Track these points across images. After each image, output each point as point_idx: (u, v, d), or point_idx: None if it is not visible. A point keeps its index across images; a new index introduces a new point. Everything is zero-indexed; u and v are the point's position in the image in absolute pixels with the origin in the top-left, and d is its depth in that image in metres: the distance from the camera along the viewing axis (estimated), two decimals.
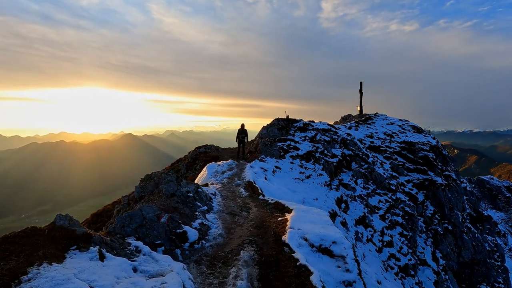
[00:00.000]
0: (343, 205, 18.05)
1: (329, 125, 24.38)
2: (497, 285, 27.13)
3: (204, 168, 13.40)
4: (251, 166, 14.97)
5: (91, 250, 4.04)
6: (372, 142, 28.06)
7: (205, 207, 7.85)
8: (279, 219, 7.34)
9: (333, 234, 6.47)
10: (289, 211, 7.83)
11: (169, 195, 7.47)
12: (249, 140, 17.63)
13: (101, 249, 4.17)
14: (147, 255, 4.61)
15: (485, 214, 33.08)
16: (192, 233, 5.97)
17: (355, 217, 18.08)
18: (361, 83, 37.29)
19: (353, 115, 36.81)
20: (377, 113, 35.68)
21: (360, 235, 16.91)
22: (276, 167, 16.61)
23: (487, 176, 55.88)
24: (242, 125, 17.78)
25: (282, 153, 18.38)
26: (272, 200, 9.24)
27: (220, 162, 14.83)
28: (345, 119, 35.45)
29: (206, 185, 11.09)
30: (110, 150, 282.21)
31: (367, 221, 18.54)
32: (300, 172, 17.77)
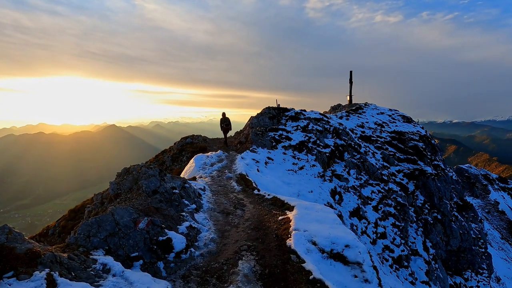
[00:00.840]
0: (337, 197, 17.35)
1: (321, 114, 23.52)
2: (481, 271, 27.66)
3: (191, 160, 12.19)
4: (242, 158, 13.88)
5: (36, 276, 2.87)
6: (363, 132, 27.51)
7: (194, 206, 6.73)
8: (280, 218, 6.32)
9: (345, 235, 5.52)
10: (290, 208, 6.83)
11: (150, 193, 6.29)
12: (231, 128, 17.59)
13: (52, 272, 3.01)
14: (118, 276, 3.48)
15: (470, 202, 33.61)
16: (178, 240, 4.86)
17: (349, 209, 17.45)
18: (351, 72, 36.57)
19: (343, 104, 36.17)
20: (367, 102, 35.17)
21: (355, 228, 16.29)
22: (269, 158, 15.60)
23: (465, 165, 57.28)
24: (224, 114, 17.31)
25: (274, 144, 17.36)
26: (268, 195, 8.21)
27: (209, 154, 13.65)
28: (335, 108, 34.76)
29: (194, 179, 9.92)
30: (92, 141, 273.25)
31: (361, 213, 17.96)
32: (293, 163, 16.85)
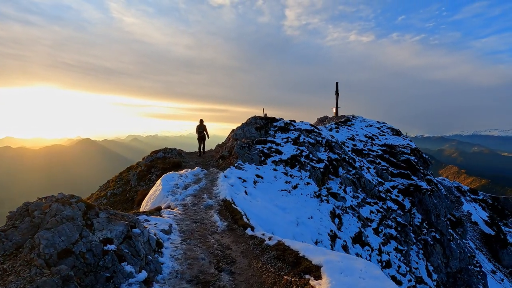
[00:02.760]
0: (336, 220, 14.66)
1: (311, 125, 21.13)
2: None
3: (158, 182, 9.06)
4: (225, 176, 10.91)
5: None
6: (355, 145, 25.40)
7: (143, 274, 3.69)
8: None
9: None
10: (313, 270, 3.96)
11: (55, 257, 3.20)
12: (208, 136, 16.27)
13: None
14: None
15: (461, 217, 32.20)
16: None
17: (351, 235, 14.77)
18: (337, 83, 35.02)
19: (330, 116, 34.33)
20: (353, 115, 33.53)
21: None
22: (258, 176, 12.70)
23: (439, 178, 57.30)
24: (201, 121, 15.72)
25: (263, 158, 14.54)
26: (270, 238, 5.30)
27: (183, 171, 10.57)
28: (322, 120, 32.76)
29: (158, 210, 6.83)
30: (64, 156, 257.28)
31: (363, 238, 15.34)
32: (286, 181, 14.06)
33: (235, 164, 12.59)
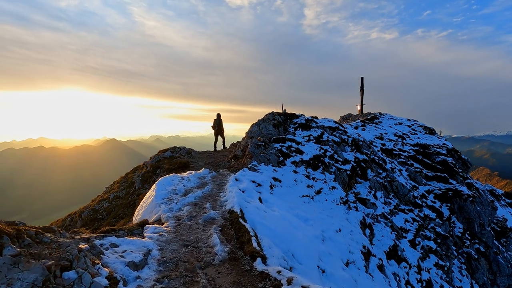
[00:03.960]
0: (367, 231, 12.49)
1: (335, 122, 18.94)
2: None
3: (153, 186, 7.43)
4: (236, 179, 9.15)
5: None
6: (384, 145, 22.82)
7: None
8: None
9: None
10: None
11: None
12: (223, 130, 15.43)
13: None
14: None
15: (505, 226, 28.48)
16: None
17: (384, 249, 12.53)
18: (362, 79, 32.35)
19: (354, 114, 31.75)
20: (381, 112, 30.76)
21: (397, 278, 11.34)
22: (275, 179, 10.83)
23: (471, 181, 52.32)
24: (218, 115, 14.97)
25: (281, 158, 12.65)
26: (289, 282, 3.42)
27: (186, 174, 8.92)
28: (346, 118, 30.27)
29: (141, 226, 5.16)
30: (92, 155, 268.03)
31: (399, 252, 13.03)
32: (308, 186, 12.08)
33: (249, 165, 10.81)
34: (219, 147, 15.93)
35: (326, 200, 12.22)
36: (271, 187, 10.14)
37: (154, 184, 7.35)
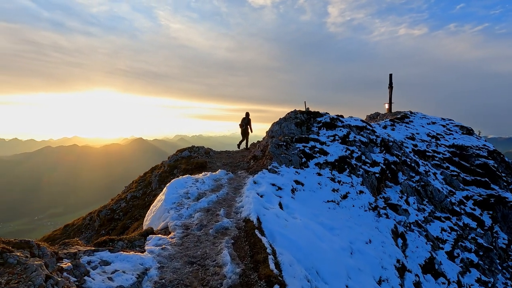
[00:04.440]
0: (400, 241, 11.25)
1: (363, 121, 17.64)
2: None
3: (164, 190, 6.86)
4: (255, 182, 8.41)
5: None
6: (415, 146, 21.07)
7: None
8: None
9: None
10: None
11: None
12: (252, 130, 15.16)
13: None
14: None
15: None
16: None
17: (419, 261, 11.22)
18: (390, 75, 30.43)
19: (382, 113, 29.92)
20: (411, 111, 28.72)
21: None
22: (297, 182, 9.96)
23: None
24: (247, 114, 14.63)
25: (304, 160, 11.72)
26: None
27: (201, 175, 8.30)
28: (373, 118, 28.55)
29: (144, 236, 4.56)
30: (120, 154, 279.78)
31: (436, 266, 11.65)
32: (333, 190, 11.07)
33: (269, 167, 10.01)
34: (241, 147, 15.38)
35: (353, 206, 11.14)
36: (293, 191, 9.28)
37: (165, 187, 6.77)
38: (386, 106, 31.20)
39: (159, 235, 4.57)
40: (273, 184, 8.91)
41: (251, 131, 15.11)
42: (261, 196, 7.67)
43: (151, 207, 6.40)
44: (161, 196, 6.38)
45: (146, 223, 6.02)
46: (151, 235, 4.54)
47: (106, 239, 4.14)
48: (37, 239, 14.98)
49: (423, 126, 24.75)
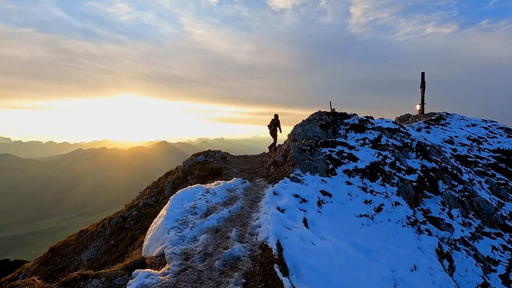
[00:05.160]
0: (446, 263, 9.51)
1: (395, 123, 15.87)
2: None
3: (166, 204, 5.80)
4: (275, 193, 7.20)
5: None
6: (455, 150, 18.83)
7: None
8: None
9: None
10: None
11: None
12: (281, 130, 14.39)
13: None
14: None
15: None
16: None
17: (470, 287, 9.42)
18: (423, 74, 28.05)
19: (413, 115, 27.59)
20: (447, 112, 26.18)
21: None
22: (323, 192, 8.62)
23: None
24: (276, 116, 14.04)
25: (330, 166, 10.33)
26: None
27: (213, 185, 7.22)
28: (404, 119, 26.33)
29: (130, 270, 3.46)
30: (146, 156, 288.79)
31: None
32: (365, 201, 9.58)
33: (291, 175, 8.76)
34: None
35: (389, 220, 9.57)
36: (319, 203, 7.95)
37: (169, 200, 5.74)
38: (417, 107, 28.80)
39: (149, 270, 3.48)
40: (296, 196, 7.64)
41: (280, 132, 14.69)
42: (282, 211, 6.45)
43: (152, 223, 5.38)
44: (163, 211, 5.34)
45: (145, 243, 4.99)
46: (138, 270, 3.46)
47: (77, 276, 3.12)
48: (53, 244, 14.54)
49: (462, 129, 22.29)
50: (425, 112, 27.70)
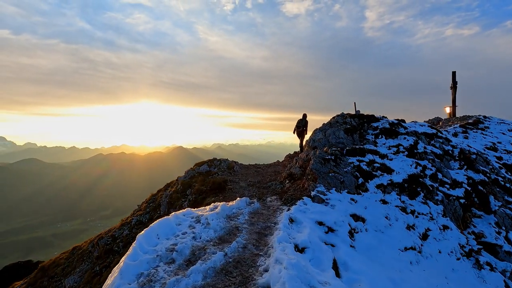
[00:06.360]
0: None
1: (431, 127, 13.51)
2: None
3: (130, 247, 3.90)
4: (291, 221, 5.25)
5: None
6: (500, 158, 16.10)
7: None
8: None
9: None
10: None
11: None
12: (307, 132, 12.96)
13: None
14: None
15: None
16: None
17: None
18: (453, 73, 25.27)
19: (443, 118, 24.80)
20: (484, 115, 23.26)
21: None
22: (355, 217, 6.55)
23: None
24: (304, 115, 13.03)
25: (360, 180, 8.24)
26: None
27: (208, 209, 5.33)
28: (434, 123, 23.61)
29: None
30: (162, 161, 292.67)
31: None
32: (408, 226, 7.42)
33: (312, 193, 6.75)
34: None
35: (440, 252, 7.33)
36: (352, 233, 5.89)
37: (137, 237, 3.91)
38: (447, 110, 25.94)
39: None
40: (321, 223, 5.65)
41: (306, 133, 13.19)
42: (303, 250, 4.48)
43: (107, 280, 3.52)
44: (121, 262, 3.48)
45: None
46: None
47: None
48: (44, 262, 13.11)
49: (504, 134, 19.42)
50: (456, 115, 24.86)
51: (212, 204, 5.57)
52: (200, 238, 4.21)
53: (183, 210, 5.04)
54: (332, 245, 5.23)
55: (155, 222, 4.35)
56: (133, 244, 3.75)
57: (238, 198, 6.10)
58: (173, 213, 4.77)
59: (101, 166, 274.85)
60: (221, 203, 5.67)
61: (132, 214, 11.23)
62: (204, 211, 5.19)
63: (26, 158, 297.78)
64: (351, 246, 5.48)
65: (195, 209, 5.33)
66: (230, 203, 5.77)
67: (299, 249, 4.52)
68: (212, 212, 5.00)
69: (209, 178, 9.16)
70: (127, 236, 9.17)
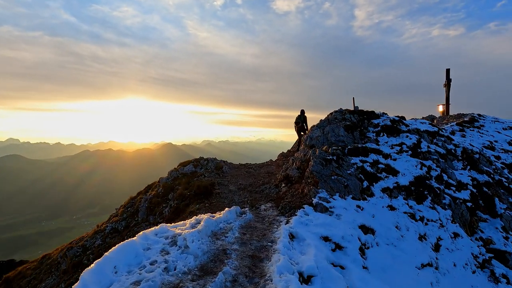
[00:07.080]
0: None
1: (432, 125, 12.76)
2: None
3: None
4: (291, 236, 4.22)
5: None
6: (498, 158, 15.59)
7: None
8: None
9: None
10: None
11: None
12: (308, 127, 12.00)
13: None
14: None
15: None
16: None
17: None
18: (447, 70, 24.80)
19: (437, 116, 24.34)
20: (479, 113, 22.88)
21: None
22: (364, 228, 5.58)
23: None
24: (302, 111, 12.37)
25: (365, 183, 7.30)
26: None
27: (188, 223, 4.21)
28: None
29: None
30: (151, 158, 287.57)
31: None
32: (420, 237, 6.53)
33: (314, 200, 5.73)
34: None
35: (455, 265, 6.48)
36: (362, 249, 4.91)
37: (80, 276, 2.79)
38: (440, 108, 25.50)
39: None
40: (326, 238, 4.64)
41: (307, 129, 12.48)
42: (309, 280, 3.46)
43: None
44: None
45: None
46: None
47: None
48: (10, 273, 11.69)
49: (499, 132, 19.00)
50: (450, 114, 24.44)
51: (194, 217, 4.46)
52: (175, 270, 3.11)
53: (155, 227, 3.92)
54: (341, 267, 4.23)
55: (114, 247, 3.21)
56: (79, 282, 2.60)
57: (226, 209, 5.01)
58: (141, 232, 3.65)
59: (88, 163, 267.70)
60: (206, 215, 4.57)
61: (108, 219, 9.97)
62: (183, 227, 4.08)
63: (8, 154, 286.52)
64: (363, 267, 4.50)
65: (172, 224, 4.21)
66: (217, 215, 4.67)
67: (305, 279, 3.49)
68: (193, 230, 3.90)
69: (194, 180, 8.02)
70: (99, 247, 7.95)
